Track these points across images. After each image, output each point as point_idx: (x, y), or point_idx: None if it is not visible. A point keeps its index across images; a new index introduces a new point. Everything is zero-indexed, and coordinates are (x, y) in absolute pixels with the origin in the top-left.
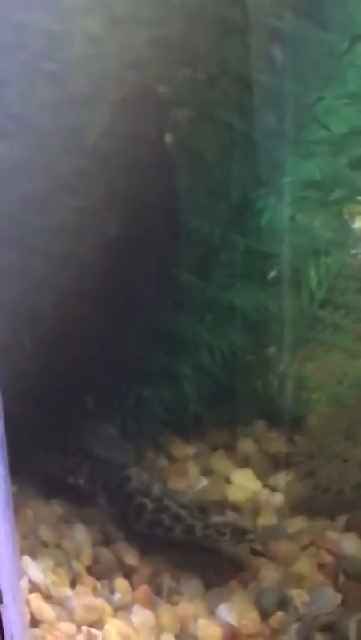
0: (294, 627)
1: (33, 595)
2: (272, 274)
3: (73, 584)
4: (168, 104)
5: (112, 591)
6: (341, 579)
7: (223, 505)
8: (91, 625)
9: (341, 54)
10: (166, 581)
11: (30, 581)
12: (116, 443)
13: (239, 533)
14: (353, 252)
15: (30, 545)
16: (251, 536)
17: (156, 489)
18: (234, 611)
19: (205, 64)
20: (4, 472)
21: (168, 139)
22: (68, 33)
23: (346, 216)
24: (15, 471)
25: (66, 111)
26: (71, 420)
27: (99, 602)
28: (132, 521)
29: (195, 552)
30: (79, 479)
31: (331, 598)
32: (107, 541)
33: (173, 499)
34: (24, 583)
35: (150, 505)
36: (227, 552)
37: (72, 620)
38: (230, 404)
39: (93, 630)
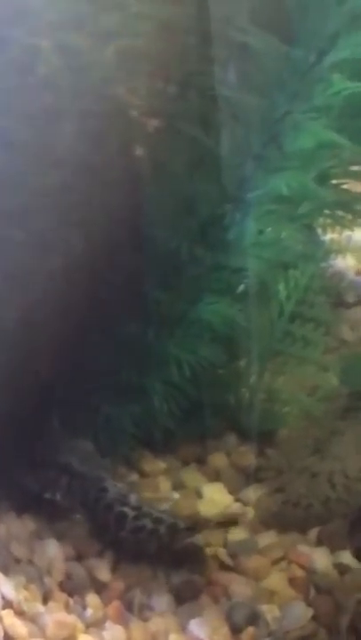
0: None
1: (5, 611)
2: (241, 288)
3: (45, 600)
4: (135, 117)
5: (84, 607)
6: (312, 593)
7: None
8: None
9: (308, 69)
10: (137, 597)
11: (2, 598)
12: (92, 457)
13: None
14: (324, 264)
15: (2, 561)
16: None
17: (133, 498)
18: (205, 626)
19: (172, 78)
20: None
21: (136, 152)
22: (45, 47)
23: (318, 229)
24: None
25: (33, 124)
26: (43, 436)
27: (71, 618)
28: (114, 530)
29: (167, 567)
30: (56, 494)
31: (302, 613)
32: (79, 557)
33: (151, 506)
34: None
35: (131, 512)
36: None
37: (44, 636)
38: (201, 418)
39: None
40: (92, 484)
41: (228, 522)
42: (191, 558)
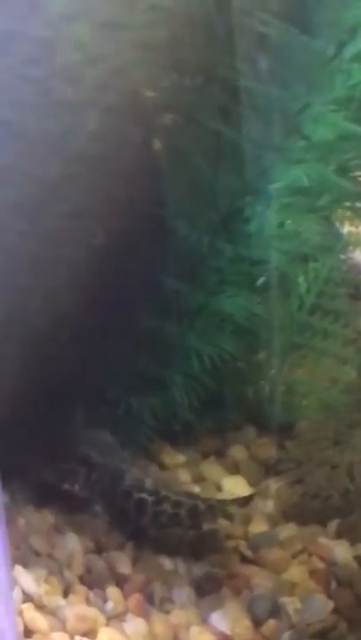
0: (287, 634)
1: (26, 605)
2: (261, 280)
3: (65, 593)
4: (155, 110)
5: (104, 600)
6: (333, 585)
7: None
8: (83, 635)
9: (328, 60)
10: (158, 590)
11: (23, 591)
12: (111, 449)
13: (241, 502)
14: (342, 257)
15: (22, 554)
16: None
17: (149, 483)
18: (226, 619)
19: (192, 70)
20: None
21: (156, 145)
22: (55, 39)
23: (336, 222)
24: (6, 480)
25: (52, 117)
26: (63, 428)
27: (91, 611)
28: (134, 518)
29: (188, 558)
30: (75, 485)
31: (323, 605)
32: (99, 550)
33: (169, 489)
34: (17, 593)
35: (150, 498)
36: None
37: (64, 629)
38: (220, 410)
39: None
40: (110, 475)
41: (248, 499)
42: (211, 545)
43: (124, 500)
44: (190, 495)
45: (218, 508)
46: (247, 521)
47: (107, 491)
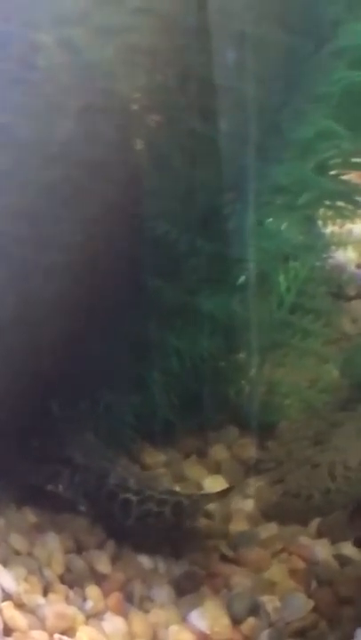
0: (266, 633)
1: (5, 603)
2: (241, 279)
3: (45, 592)
4: (135, 110)
5: (84, 599)
6: (313, 585)
7: None
8: (63, 633)
9: (307, 57)
10: (138, 588)
11: (2, 590)
12: (95, 449)
13: (221, 494)
14: (324, 256)
15: (2, 553)
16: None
17: (133, 483)
18: (205, 617)
19: (170, 69)
20: None
21: (135, 144)
22: (48, 42)
23: (319, 220)
24: None
25: (41, 120)
26: (45, 428)
27: (71, 610)
28: (119, 518)
29: (167, 557)
30: (59, 487)
31: (303, 604)
32: (79, 549)
33: (151, 487)
34: None
35: (134, 498)
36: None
37: (44, 628)
38: (201, 410)
39: (65, 638)
40: (94, 476)
41: (227, 491)
42: (191, 544)
43: (109, 500)
44: (173, 492)
45: (201, 503)
46: (227, 520)
47: (91, 492)
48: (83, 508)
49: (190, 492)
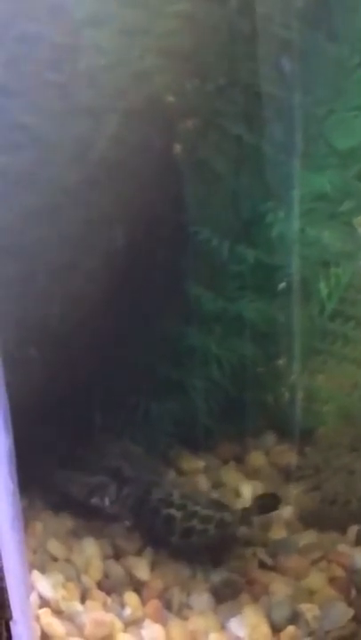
0: None
1: (43, 610)
2: (282, 286)
3: (83, 599)
4: (177, 115)
5: (122, 606)
6: (353, 593)
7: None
8: None
9: (353, 68)
10: (176, 595)
11: (40, 596)
12: (143, 461)
13: (265, 507)
14: None
15: (40, 559)
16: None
17: (177, 496)
18: (245, 625)
19: (214, 75)
20: (14, 487)
21: (177, 149)
22: (76, 44)
23: (358, 227)
24: (25, 485)
25: (74, 122)
26: (85, 438)
27: (109, 617)
28: (164, 535)
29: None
30: (104, 500)
31: (342, 613)
32: (116, 555)
33: (196, 501)
34: (34, 598)
35: (178, 514)
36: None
37: (82, 635)
38: (240, 416)
39: None
40: (140, 489)
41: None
42: (231, 552)
43: (153, 516)
44: (217, 504)
45: (245, 519)
46: (266, 527)
47: (136, 506)
48: (128, 523)
49: (234, 505)
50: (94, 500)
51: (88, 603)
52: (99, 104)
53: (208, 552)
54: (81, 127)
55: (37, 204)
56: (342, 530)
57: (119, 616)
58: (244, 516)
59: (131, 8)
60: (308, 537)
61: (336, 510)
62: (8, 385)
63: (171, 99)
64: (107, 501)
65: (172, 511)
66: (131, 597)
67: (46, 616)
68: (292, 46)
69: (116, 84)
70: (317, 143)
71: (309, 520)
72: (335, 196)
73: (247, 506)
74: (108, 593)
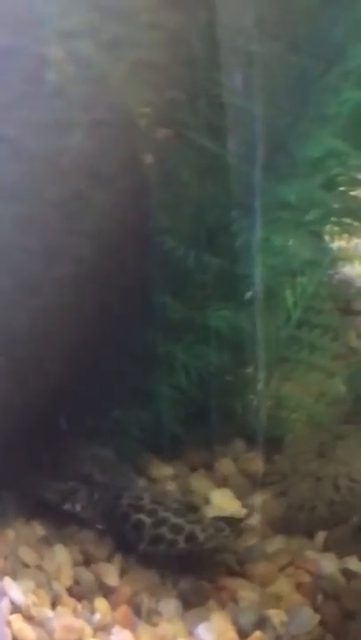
0: None
1: (14, 616)
2: (248, 294)
3: (53, 605)
4: (144, 126)
5: (92, 612)
6: (320, 598)
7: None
8: None
9: (316, 78)
10: (145, 602)
11: (12, 602)
12: (114, 466)
13: (236, 525)
14: (331, 272)
15: (11, 566)
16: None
17: (147, 500)
18: (212, 631)
19: (180, 86)
20: None
21: (144, 160)
22: (57, 56)
23: (326, 237)
24: None
25: (47, 133)
26: (54, 444)
27: (79, 622)
28: (132, 542)
29: (174, 570)
30: (76, 505)
31: (309, 618)
32: (87, 561)
33: (166, 507)
34: (5, 604)
35: (147, 520)
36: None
37: None
38: (208, 424)
39: None
40: (111, 494)
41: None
42: (198, 557)
43: (123, 521)
44: (187, 511)
45: (216, 537)
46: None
47: (107, 511)
48: (100, 527)
49: (203, 515)
50: (66, 506)
51: (58, 608)
52: (72, 116)
53: (176, 559)
54: (56, 139)
55: (15, 215)
56: (309, 535)
57: (89, 622)
58: (216, 536)
59: (105, 19)
60: (275, 544)
61: (303, 515)
62: None
63: (141, 109)
64: (78, 507)
65: (142, 517)
66: (100, 603)
67: (17, 621)
68: (255, 57)
69: (93, 96)
70: (282, 153)
71: (277, 526)
72: (300, 205)
73: (217, 515)
74: (79, 599)
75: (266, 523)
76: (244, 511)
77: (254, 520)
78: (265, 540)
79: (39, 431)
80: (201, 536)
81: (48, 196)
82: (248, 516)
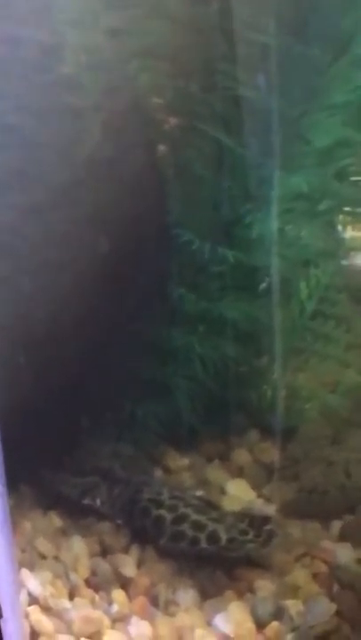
0: (290, 636)
1: (32, 607)
2: (263, 286)
3: (71, 596)
4: (158, 117)
5: (110, 603)
6: (336, 588)
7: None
8: (89, 637)
9: (326, 67)
10: (163, 592)
11: (29, 594)
12: (134, 461)
13: (259, 527)
14: (343, 262)
15: (29, 557)
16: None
17: (167, 495)
18: (230, 621)
19: (193, 78)
20: (2, 489)
21: (159, 152)
22: (62, 45)
23: (338, 226)
24: (13, 484)
25: (60, 123)
26: (73, 439)
27: (97, 614)
28: (153, 537)
29: (192, 562)
30: (96, 500)
31: (326, 608)
32: (104, 552)
33: (186, 502)
34: (23, 596)
35: (168, 515)
36: (223, 562)
37: (70, 632)
38: (224, 414)
39: None
40: (132, 490)
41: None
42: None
43: (143, 516)
44: (207, 507)
45: (240, 541)
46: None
47: (127, 506)
48: (119, 522)
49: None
50: (86, 500)
51: (76, 600)
52: (84, 105)
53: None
54: (67, 128)
55: (24, 204)
56: (322, 520)
57: (107, 613)
58: (240, 539)
59: (115, 9)
60: (291, 530)
61: (315, 499)
62: None
63: (155, 100)
64: (98, 501)
65: (163, 512)
66: (118, 594)
67: (35, 613)
68: (265, 47)
69: (100, 86)
70: (294, 143)
71: (289, 510)
72: (314, 195)
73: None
74: (96, 590)
75: (278, 509)
76: (260, 501)
77: (269, 510)
78: (280, 528)
79: (57, 425)
80: (223, 537)
81: (62, 187)
82: (269, 519)
